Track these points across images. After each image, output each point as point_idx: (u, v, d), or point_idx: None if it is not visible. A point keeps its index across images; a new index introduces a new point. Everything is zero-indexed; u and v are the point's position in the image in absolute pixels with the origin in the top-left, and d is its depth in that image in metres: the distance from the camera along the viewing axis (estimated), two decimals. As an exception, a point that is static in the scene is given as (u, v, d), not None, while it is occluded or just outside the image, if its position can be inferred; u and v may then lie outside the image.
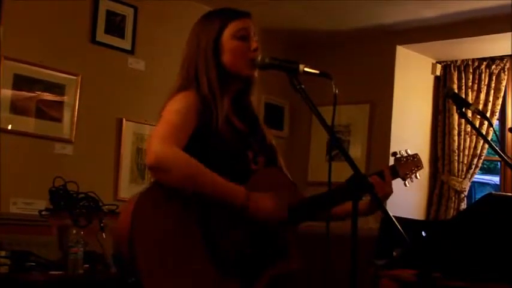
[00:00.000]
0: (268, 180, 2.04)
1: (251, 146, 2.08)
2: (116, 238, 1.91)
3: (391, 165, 2.14)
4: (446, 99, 5.23)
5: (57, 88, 3.88)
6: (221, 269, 1.89)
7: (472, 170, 5.10)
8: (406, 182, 2.16)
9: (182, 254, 1.85)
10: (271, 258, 1.98)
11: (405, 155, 2.16)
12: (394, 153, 2.16)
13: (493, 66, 5.11)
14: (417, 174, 2.19)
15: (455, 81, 5.21)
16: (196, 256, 1.86)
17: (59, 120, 3.88)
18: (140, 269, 1.80)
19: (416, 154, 2.20)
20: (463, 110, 2.71)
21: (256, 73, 2.09)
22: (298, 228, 2.07)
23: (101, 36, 4.13)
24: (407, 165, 2.15)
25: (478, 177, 5.85)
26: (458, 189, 5.08)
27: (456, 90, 5.06)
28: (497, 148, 2.69)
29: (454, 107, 4.82)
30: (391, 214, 1.66)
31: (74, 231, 2.90)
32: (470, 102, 4.60)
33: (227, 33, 2.06)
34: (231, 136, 2.02)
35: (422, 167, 2.21)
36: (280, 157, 2.21)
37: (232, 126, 2.07)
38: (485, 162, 5.59)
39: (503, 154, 2.71)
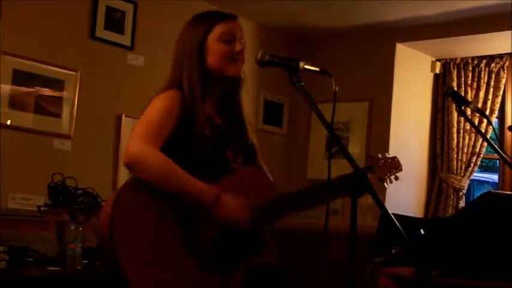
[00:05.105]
0: (245, 179, 2.10)
1: (231, 145, 2.14)
2: (98, 230, 1.97)
3: (366, 166, 2.15)
4: (445, 97, 5.22)
5: (56, 84, 3.87)
6: (201, 262, 1.93)
7: (471, 168, 5.10)
8: (385, 184, 2.17)
9: (162, 246, 1.90)
10: (249, 250, 2.03)
11: (380, 157, 2.18)
12: (369, 156, 2.17)
13: (493, 65, 5.11)
14: (397, 175, 2.20)
15: (455, 79, 5.20)
16: (175, 249, 1.91)
17: (58, 115, 3.88)
18: (122, 260, 1.85)
19: (395, 157, 2.20)
20: (462, 108, 2.71)
21: (242, 74, 2.15)
22: (275, 223, 2.12)
23: (101, 32, 4.12)
24: (385, 167, 2.16)
25: (477, 175, 5.85)
26: (457, 187, 5.08)
27: (455, 88, 5.05)
28: (496, 146, 2.68)
29: (453, 105, 4.88)
30: (389, 211, 1.66)
31: (72, 227, 2.89)
32: (470, 100, 4.61)
33: (212, 35, 2.12)
34: (211, 136, 2.08)
35: (401, 169, 2.21)
36: (261, 157, 2.27)
37: (214, 126, 2.12)
38: (484, 160, 5.59)
39: (502, 152, 2.71)
